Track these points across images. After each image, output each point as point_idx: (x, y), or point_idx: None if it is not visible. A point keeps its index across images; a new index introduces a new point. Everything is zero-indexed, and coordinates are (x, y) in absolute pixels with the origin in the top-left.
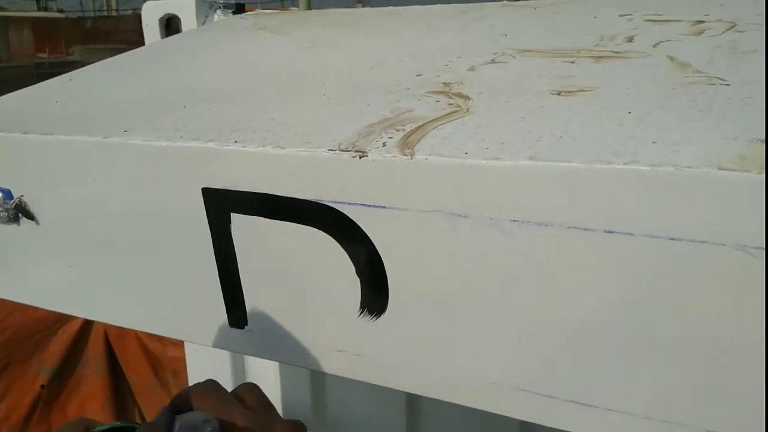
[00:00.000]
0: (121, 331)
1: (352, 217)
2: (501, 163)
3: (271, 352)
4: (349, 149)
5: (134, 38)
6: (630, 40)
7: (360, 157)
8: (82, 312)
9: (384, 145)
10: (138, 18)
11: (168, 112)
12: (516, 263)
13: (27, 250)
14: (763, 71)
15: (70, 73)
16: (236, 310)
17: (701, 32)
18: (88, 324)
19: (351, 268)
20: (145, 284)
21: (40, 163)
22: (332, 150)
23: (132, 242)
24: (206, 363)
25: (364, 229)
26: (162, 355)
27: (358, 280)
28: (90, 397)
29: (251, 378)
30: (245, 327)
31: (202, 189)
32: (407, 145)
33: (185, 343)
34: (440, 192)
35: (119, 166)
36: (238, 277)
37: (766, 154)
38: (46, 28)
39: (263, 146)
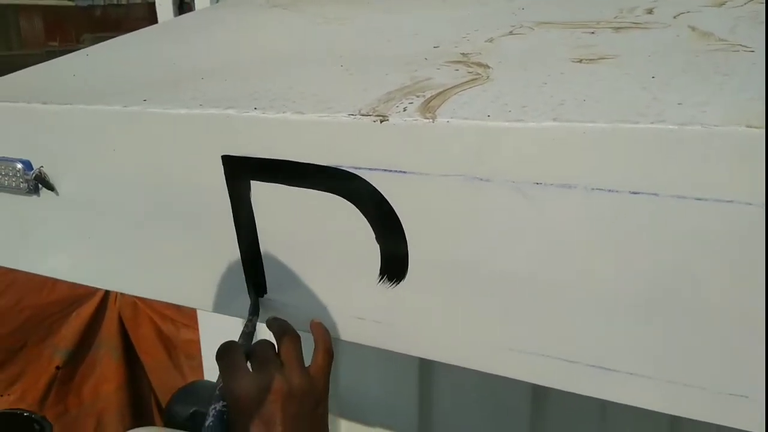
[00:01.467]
0: (135, 313)
1: (372, 183)
2: (524, 125)
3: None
4: (370, 114)
5: (144, 26)
6: (650, 12)
7: (381, 122)
8: (101, 283)
9: (405, 110)
10: (148, 7)
11: (186, 84)
12: (539, 227)
13: (47, 221)
14: None
15: (86, 48)
16: (255, 278)
17: (722, 4)
18: (102, 306)
19: (371, 234)
20: (164, 253)
21: (60, 133)
22: (352, 115)
23: (151, 212)
24: (219, 339)
25: (384, 195)
26: (175, 337)
27: (377, 246)
28: (105, 378)
29: None
30: (264, 295)
31: (222, 156)
32: (429, 109)
33: (199, 325)
34: (462, 156)
35: (138, 135)
36: (258, 245)
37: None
38: (57, 17)
39: (283, 112)
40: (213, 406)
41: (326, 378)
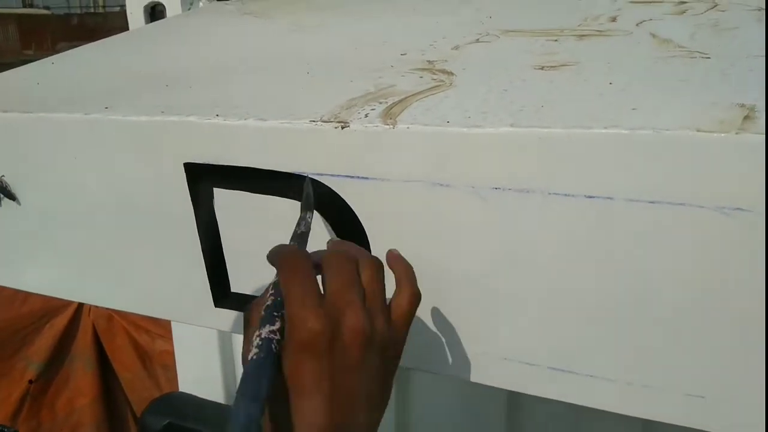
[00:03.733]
0: (110, 324)
1: (335, 189)
2: (482, 131)
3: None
4: (331, 120)
5: None
6: (613, 19)
7: (342, 128)
8: (66, 294)
9: (366, 116)
10: (125, 15)
11: (150, 91)
12: (499, 231)
13: (9, 232)
14: (743, 45)
15: (52, 56)
16: (220, 288)
17: (683, 12)
18: (76, 318)
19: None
20: (129, 263)
21: (21, 142)
22: (314, 121)
23: (115, 221)
24: (195, 355)
25: (347, 201)
26: (151, 348)
27: None
28: (79, 392)
29: (240, 365)
30: (229, 305)
31: (185, 164)
32: (390, 115)
33: (173, 336)
34: (422, 161)
35: (100, 142)
36: (222, 252)
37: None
38: (32, 25)
39: (245, 119)
40: (259, 332)
41: (408, 327)
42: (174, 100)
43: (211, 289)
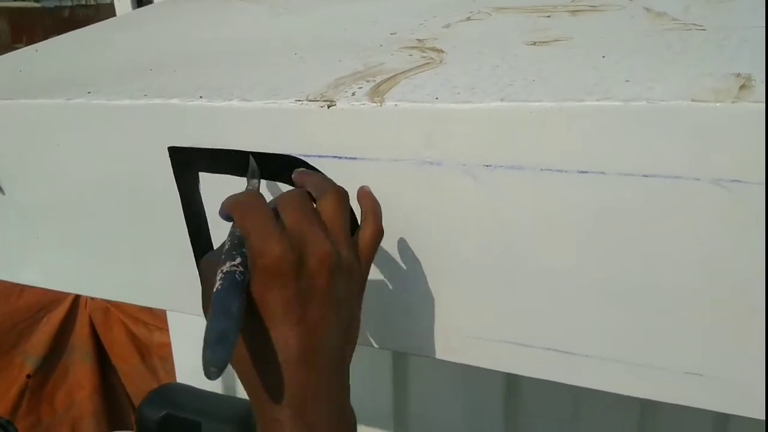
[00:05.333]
0: (107, 317)
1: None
2: (471, 106)
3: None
4: (317, 99)
5: None
6: None
7: (328, 107)
8: (57, 285)
9: (353, 94)
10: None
11: (134, 75)
12: (490, 209)
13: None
14: (739, 17)
15: (36, 44)
16: None
17: None
18: (73, 311)
19: None
20: (117, 252)
21: (3, 129)
22: (299, 101)
23: (102, 209)
24: (192, 346)
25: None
26: (148, 340)
27: None
28: (78, 385)
29: None
30: None
31: (168, 148)
32: (377, 93)
33: (170, 327)
34: (411, 140)
35: (83, 128)
36: (210, 237)
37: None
38: (23, 19)
39: (229, 100)
40: (221, 269)
41: (371, 261)
42: (158, 84)
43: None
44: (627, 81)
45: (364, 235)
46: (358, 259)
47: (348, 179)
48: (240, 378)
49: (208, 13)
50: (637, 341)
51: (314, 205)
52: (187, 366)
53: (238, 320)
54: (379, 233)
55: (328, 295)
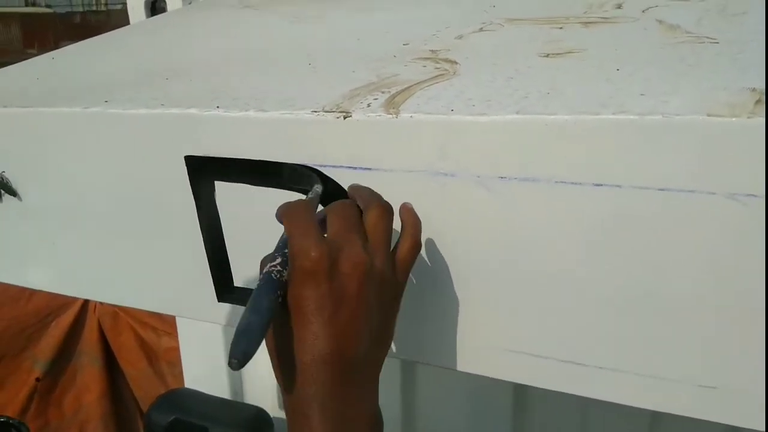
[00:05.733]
0: (115, 322)
1: (338, 180)
2: (487, 119)
3: None
4: (333, 110)
5: None
6: (619, 6)
7: (344, 118)
8: (69, 290)
9: (369, 105)
10: (127, 13)
11: (150, 84)
12: (504, 221)
13: (10, 228)
14: (752, 30)
15: (52, 51)
16: (224, 282)
17: None
18: (82, 315)
19: None
20: (131, 258)
21: (21, 137)
22: (315, 111)
23: (117, 215)
24: (200, 351)
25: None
26: (157, 345)
27: None
28: (86, 388)
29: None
30: (232, 300)
31: (185, 157)
32: (392, 105)
33: (179, 332)
34: (426, 151)
35: (100, 136)
36: (224, 245)
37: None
38: (35, 24)
39: (245, 111)
40: (265, 264)
41: (408, 273)
42: (174, 93)
43: (214, 284)
44: (642, 94)
45: (402, 247)
46: (394, 270)
47: None
48: (274, 371)
49: (221, 22)
50: (651, 353)
51: (360, 216)
52: (196, 371)
53: (266, 316)
54: (417, 247)
55: (358, 300)
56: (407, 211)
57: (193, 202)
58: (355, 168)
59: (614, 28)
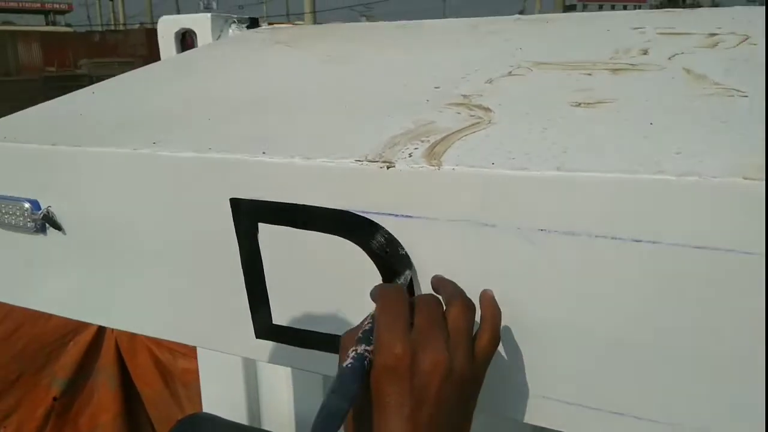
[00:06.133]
0: (132, 342)
1: (384, 226)
2: (529, 173)
3: (293, 359)
4: (376, 160)
5: (141, 51)
6: (645, 52)
7: (387, 168)
8: (108, 322)
9: (410, 155)
10: (145, 32)
11: (193, 125)
12: (543, 272)
13: (53, 259)
14: None
15: (92, 86)
16: (262, 319)
17: (715, 45)
18: (99, 335)
19: (378, 277)
20: (170, 293)
21: (69, 174)
22: (359, 161)
23: (159, 252)
24: (219, 373)
25: (398, 238)
26: (173, 366)
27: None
28: (102, 408)
29: (264, 386)
30: (270, 337)
31: (230, 199)
32: (433, 155)
33: (198, 356)
34: (468, 201)
35: (148, 177)
36: (265, 286)
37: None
38: (55, 42)
39: (291, 157)
40: (355, 348)
41: (486, 367)
42: (219, 136)
43: (252, 320)
44: (677, 153)
45: (482, 341)
46: (473, 366)
47: (404, 236)
48: None
49: (255, 59)
50: (693, 405)
51: (443, 311)
52: (214, 395)
53: (351, 402)
54: (496, 341)
55: (438, 399)
56: (488, 299)
57: (235, 241)
58: (397, 215)
59: (642, 77)
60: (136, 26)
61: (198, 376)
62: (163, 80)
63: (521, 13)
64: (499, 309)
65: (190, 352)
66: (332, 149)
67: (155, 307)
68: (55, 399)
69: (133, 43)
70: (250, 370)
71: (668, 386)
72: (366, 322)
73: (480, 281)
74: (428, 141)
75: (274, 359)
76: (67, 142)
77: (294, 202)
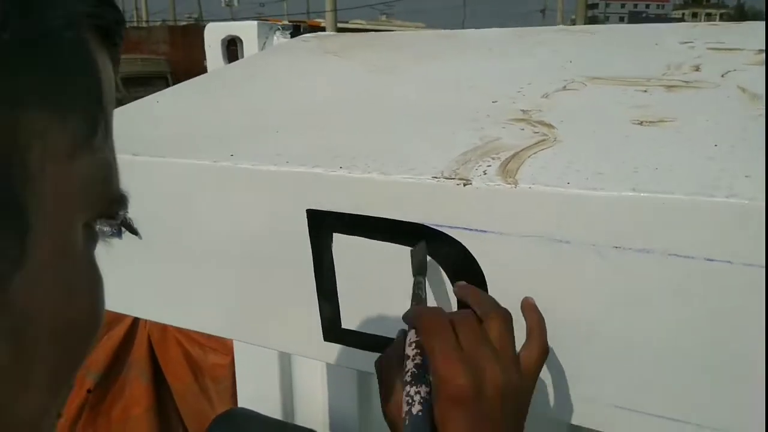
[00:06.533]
0: (164, 336)
1: (459, 240)
2: (605, 194)
3: (358, 362)
4: (453, 177)
5: (164, 49)
6: (697, 68)
7: (464, 185)
8: (177, 321)
9: (485, 173)
10: (168, 29)
11: (263, 137)
12: (617, 288)
13: (127, 262)
14: None
15: (154, 94)
16: (332, 323)
17: (762, 62)
18: (133, 328)
19: (449, 289)
20: (243, 297)
21: (148, 182)
22: (436, 177)
23: (234, 259)
24: (255, 370)
25: (470, 251)
26: (203, 361)
27: (455, 299)
28: (134, 401)
29: (298, 383)
30: (338, 340)
31: (307, 210)
32: (508, 173)
33: (235, 350)
34: (543, 219)
35: (226, 187)
36: (336, 293)
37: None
38: None
39: (369, 173)
40: (417, 389)
41: (537, 376)
42: (292, 148)
43: (322, 324)
44: (747, 176)
45: (531, 353)
46: (524, 377)
47: (478, 249)
48: None
49: (309, 69)
50: (745, 413)
51: (481, 325)
52: (249, 391)
53: None
54: (545, 352)
55: (501, 419)
56: (531, 308)
57: (309, 250)
58: (471, 230)
59: (698, 95)
60: (158, 23)
61: (227, 371)
62: (224, 91)
63: (542, 11)
64: (543, 317)
65: (220, 347)
66: (407, 165)
67: (227, 309)
68: (89, 391)
69: (155, 40)
70: (285, 366)
71: (716, 394)
72: (414, 353)
73: (552, 294)
74: (499, 158)
75: (340, 361)
76: (147, 153)
77: (369, 215)
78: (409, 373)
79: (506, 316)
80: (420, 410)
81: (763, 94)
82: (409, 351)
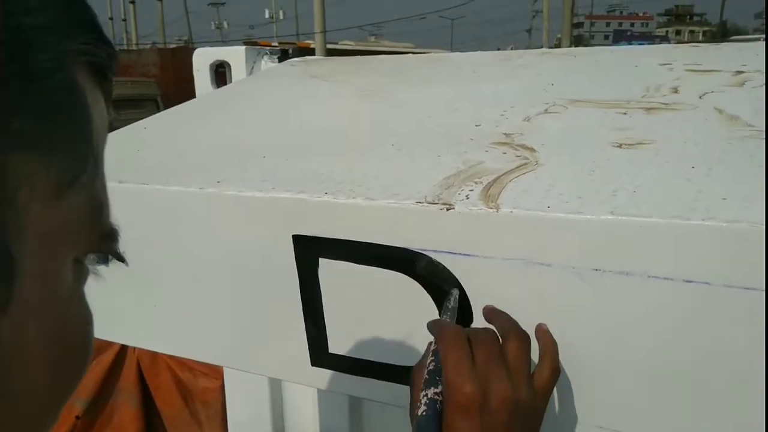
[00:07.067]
0: (154, 361)
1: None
2: (584, 217)
3: (346, 386)
4: (436, 202)
5: (154, 71)
6: (675, 90)
7: (447, 210)
8: (165, 348)
9: (467, 197)
10: (158, 52)
11: (250, 163)
12: (597, 309)
13: (115, 289)
14: None
15: (142, 121)
16: (319, 348)
17: (742, 83)
18: (122, 354)
19: (431, 309)
20: (229, 322)
21: (134, 209)
22: (420, 202)
23: (220, 284)
24: (245, 394)
25: (454, 274)
26: (193, 385)
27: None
28: (123, 428)
29: (289, 407)
30: (326, 365)
31: (293, 236)
32: (490, 198)
33: (225, 375)
34: (524, 242)
35: (212, 213)
36: (323, 317)
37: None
38: None
39: (353, 198)
40: (425, 392)
41: (548, 398)
42: (278, 174)
43: (309, 349)
44: (724, 199)
45: (542, 374)
46: (536, 398)
47: (462, 273)
48: None
49: (296, 93)
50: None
51: (500, 345)
52: (239, 415)
53: None
54: (557, 373)
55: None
56: (544, 333)
57: (295, 275)
58: (455, 253)
59: (676, 117)
60: (148, 46)
61: (218, 395)
62: (211, 117)
63: (529, 30)
64: (556, 342)
65: (210, 371)
66: (391, 190)
67: (215, 335)
68: (77, 418)
69: (145, 63)
70: (275, 390)
71: (698, 414)
72: (429, 360)
73: (534, 316)
74: (481, 183)
75: (329, 386)
76: (133, 180)
77: (354, 240)
78: (424, 379)
79: (524, 338)
80: (425, 411)
81: (739, 115)
82: (428, 359)
